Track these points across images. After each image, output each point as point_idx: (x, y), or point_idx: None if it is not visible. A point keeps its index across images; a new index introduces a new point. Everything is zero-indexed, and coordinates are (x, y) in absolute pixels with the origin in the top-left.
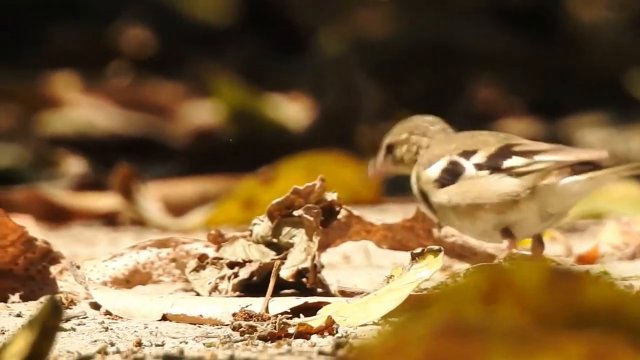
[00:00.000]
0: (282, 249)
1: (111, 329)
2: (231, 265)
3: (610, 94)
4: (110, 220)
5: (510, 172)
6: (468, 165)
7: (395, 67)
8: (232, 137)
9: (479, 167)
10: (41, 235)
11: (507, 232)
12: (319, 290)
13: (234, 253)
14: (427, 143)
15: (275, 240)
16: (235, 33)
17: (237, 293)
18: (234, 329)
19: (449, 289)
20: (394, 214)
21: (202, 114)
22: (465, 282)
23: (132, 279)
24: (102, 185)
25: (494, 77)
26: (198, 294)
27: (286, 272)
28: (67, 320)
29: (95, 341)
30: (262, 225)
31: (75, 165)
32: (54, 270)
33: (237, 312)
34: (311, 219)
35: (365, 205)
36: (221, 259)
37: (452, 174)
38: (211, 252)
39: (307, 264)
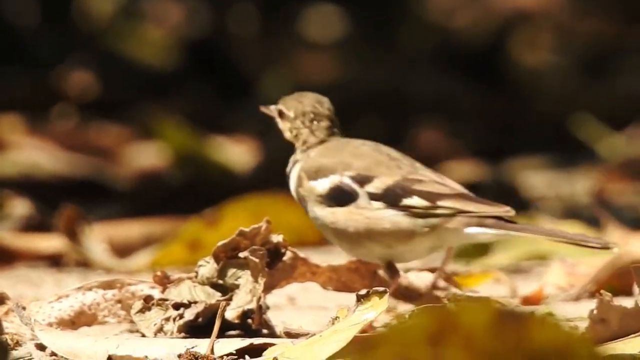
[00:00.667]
0: (227, 290)
1: None
2: (177, 306)
3: (555, 137)
4: (55, 261)
5: (408, 210)
6: (362, 193)
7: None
8: (176, 179)
9: (374, 197)
10: None
11: (391, 268)
12: (265, 331)
13: (179, 294)
14: (308, 138)
15: (220, 281)
16: (180, 77)
17: (183, 334)
18: None
19: (395, 330)
20: (338, 256)
21: (146, 156)
22: (412, 323)
23: (77, 320)
24: (47, 226)
25: (438, 121)
26: (144, 335)
27: (232, 313)
28: None
29: None
30: (207, 267)
31: (20, 207)
32: (0, 311)
33: (183, 353)
34: (257, 260)
35: (310, 246)
36: (167, 300)
37: (341, 197)
38: (157, 293)
39: (253, 305)
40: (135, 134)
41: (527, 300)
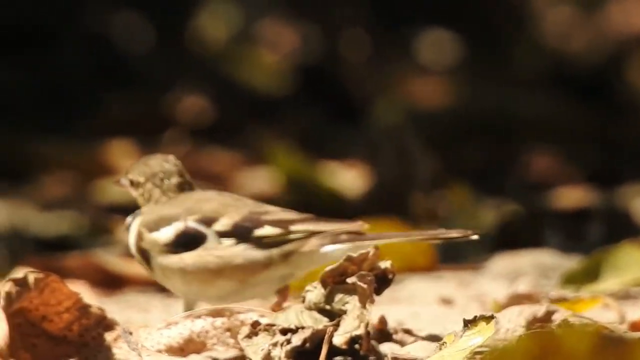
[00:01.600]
0: (335, 316)
1: None
2: (284, 332)
3: None
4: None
5: (260, 241)
6: (210, 233)
7: (450, 136)
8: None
9: (223, 234)
10: (96, 302)
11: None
12: (372, 357)
13: (287, 320)
14: (160, 198)
15: (328, 307)
16: (292, 102)
17: None
18: None
19: (499, 353)
20: (448, 281)
21: (258, 181)
22: (515, 346)
23: (186, 348)
24: None
25: (550, 146)
26: None
27: (339, 339)
28: None
29: None
30: (315, 292)
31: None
32: (108, 337)
33: None
34: (364, 286)
35: (419, 272)
36: (274, 325)
37: (188, 241)
38: (265, 320)
39: (361, 331)
40: (247, 159)
41: (635, 326)
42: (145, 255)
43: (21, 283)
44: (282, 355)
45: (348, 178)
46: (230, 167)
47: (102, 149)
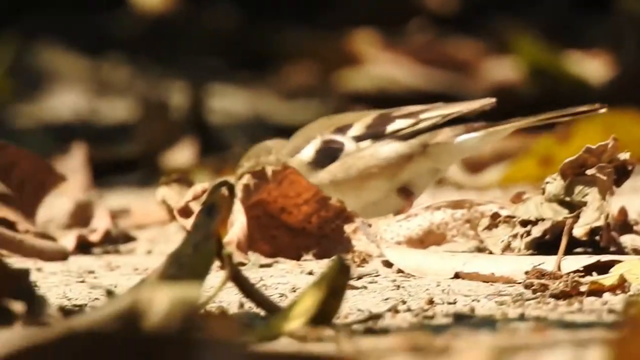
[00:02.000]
0: (575, 208)
1: (403, 287)
2: (524, 223)
3: None
4: None
5: (396, 135)
6: (346, 140)
7: None
8: (530, 93)
9: (359, 139)
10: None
11: (404, 191)
12: (612, 249)
13: (526, 211)
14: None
15: (567, 198)
16: None
17: (530, 251)
18: (526, 287)
19: None
20: None
21: (501, 70)
22: None
23: (426, 239)
24: None
25: None
26: (491, 252)
27: (579, 231)
28: (359, 278)
29: (386, 299)
30: (554, 184)
31: None
32: (347, 229)
33: (530, 270)
34: (604, 178)
35: None
36: (514, 217)
37: (330, 154)
38: (505, 212)
39: (600, 223)
40: (492, 48)
41: None
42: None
43: (259, 175)
44: (522, 246)
45: (592, 67)
46: (474, 56)
47: (346, 39)
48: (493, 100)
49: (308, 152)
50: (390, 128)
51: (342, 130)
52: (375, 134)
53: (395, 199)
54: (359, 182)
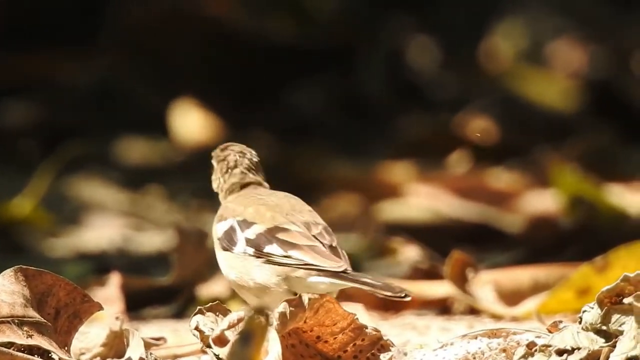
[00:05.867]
0: (611, 337)
1: None
2: (560, 352)
3: None
4: (443, 308)
5: (268, 258)
6: (241, 238)
7: None
8: (568, 225)
9: (248, 242)
10: (372, 323)
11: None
12: None
13: (562, 340)
14: (221, 186)
15: (604, 327)
16: (579, 121)
17: None
18: None
19: None
20: None
21: (540, 202)
22: None
23: None
24: (436, 273)
25: None
26: None
27: None
28: None
29: None
30: (591, 313)
31: (410, 253)
32: (383, 358)
33: None
34: None
35: None
36: (550, 346)
37: (229, 240)
38: (541, 341)
39: (637, 352)
40: (531, 180)
41: None
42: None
43: (296, 304)
44: None
45: (632, 199)
46: (513, 187)
47: (385, 170)
48: (344, 265)
49: (221, 229)
50: (267, 249)
51: (245, 225)
52: (257, 247)
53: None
54: (234, 284)
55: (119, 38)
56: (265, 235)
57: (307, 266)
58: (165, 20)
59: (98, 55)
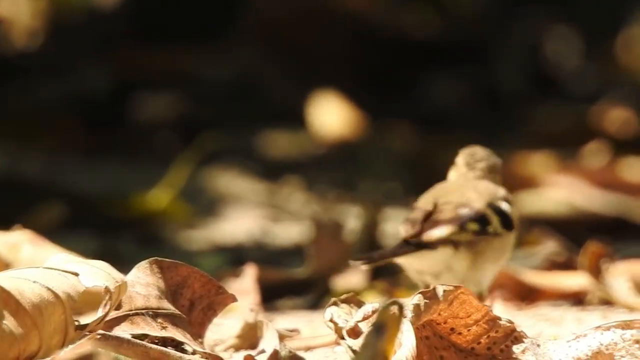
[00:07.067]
0: None
1: None
2: None
3: None
4: (578, 299)
5: None
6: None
7: None
8: None
9: None
10: (506, 315)
11: None
12: None
13: None
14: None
15: None
16: None
17: None
18: None
19: None
20: None
21: None
22: None
23: None
24: (572, 264)
25: None
26: None
27: None
28: None
29: None
30: None
31: (548, 245)
32: (516, 349)
33: None
34: None
35: None
36: None
37: None
38: None
39: None
40: None
41: None
42: None
43: (430, 295)
44: None
45: None
46: None
47: (523, 160)
48: None
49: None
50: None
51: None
52: None
53: None
54: None
55: (258, 31)
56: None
57: None
58: (304, 14)
59: (237, 48)
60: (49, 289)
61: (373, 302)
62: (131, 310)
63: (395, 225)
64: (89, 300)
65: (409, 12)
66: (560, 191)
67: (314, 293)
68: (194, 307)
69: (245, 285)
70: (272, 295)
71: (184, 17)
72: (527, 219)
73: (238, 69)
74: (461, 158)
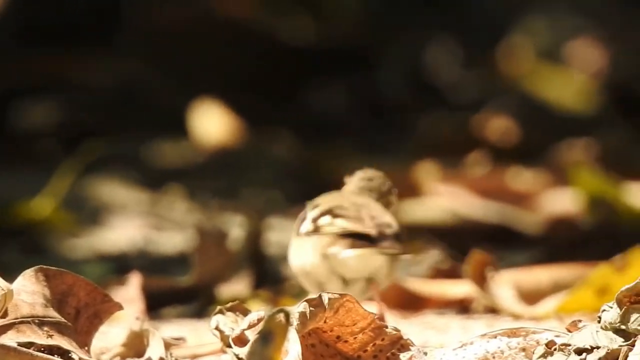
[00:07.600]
0: (630, 336)
1: None
2: (579, 351)
3: None
4: (463, 307)
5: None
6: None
7: None
8: (588, 225)
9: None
10: (392, 323)
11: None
12: None
13: (582, 339)
14: None
15: (623, 327)
16: (598, 122)
17: None
18: None
19: None
20: None
21: (560, 202)
22: None
23: None
24: (456, 273)
25: None
26: None
27: (634, 359)
28: None
29: None
30: (610, 312)
31: (431, 253)
32: (402, 357)
33: None
34: None
35: None
36: (569, 345)
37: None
38: (560, 340)
39: None
40: (551, 179)
41: None
42: None
43: (316, 303)
44: None
45: None
46: (532, 187)
47: (407, 169)
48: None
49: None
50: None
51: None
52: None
53: None
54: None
55: (139, 38)
56: (323, 212)
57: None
58: (185, 21)
59: (119, 55)
60: None
61: (259, 311)
62: (17, 319)
63: (279, 234)
64: None
65: (291, 19)
66: (443, 200)
67: (199, 301)
68: (79, 315)
69: (130, 294)
70: (157, 304)
71: (69, 24)
72: (411, 227)
73: (122, 77)
74: (356, 180)
